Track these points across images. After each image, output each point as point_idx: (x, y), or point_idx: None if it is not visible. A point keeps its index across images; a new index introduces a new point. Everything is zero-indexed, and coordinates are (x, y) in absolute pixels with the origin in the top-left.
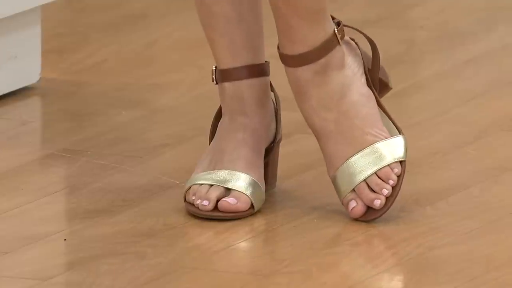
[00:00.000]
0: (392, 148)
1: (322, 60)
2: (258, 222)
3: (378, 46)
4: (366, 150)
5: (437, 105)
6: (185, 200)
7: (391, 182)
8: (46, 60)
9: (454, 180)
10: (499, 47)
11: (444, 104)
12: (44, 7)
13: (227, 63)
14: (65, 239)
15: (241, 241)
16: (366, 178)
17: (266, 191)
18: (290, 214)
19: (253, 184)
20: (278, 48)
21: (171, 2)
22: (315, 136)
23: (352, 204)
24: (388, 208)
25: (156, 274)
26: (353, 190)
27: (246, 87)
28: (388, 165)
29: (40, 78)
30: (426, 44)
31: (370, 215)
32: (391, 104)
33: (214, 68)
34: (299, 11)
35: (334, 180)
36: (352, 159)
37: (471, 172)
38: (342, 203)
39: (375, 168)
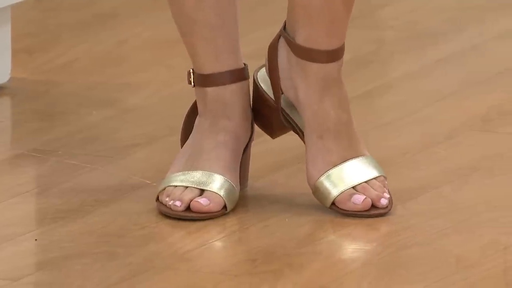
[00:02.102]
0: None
1: (342, 58)
2: (230, 222)
3: (348, 45)
4: (367, 159)
5: (406, 105)
6: (157, 200)
7: (387, 188)
8: (16, 59)
9: (424, 179)
10: (468, 47)
11: (413, 104)
12: (14, 7)
13: (210, 68)
14: (35, 239)
15: (213, 241)
16: (369, 180)
17: (239, 190)
18: (262, 213)
19: (228, 186)
20: (296, 44)
21: (142, 1)
22: (319, 131)
23: (360, 197)
24: (389, 210)
25: (127, 274)
26: (353, 188)
27: (229, 91)
28: (383, 176)
29: (10, 78)
30: (395, 44)
31: (373, 210)
32: (360, 104)
33: (191, 71)
34: (349, 4)
35: (329, 176)
36: (354, 161)
37: (441, 172)
38: (335, 199)
39: (375, 174)
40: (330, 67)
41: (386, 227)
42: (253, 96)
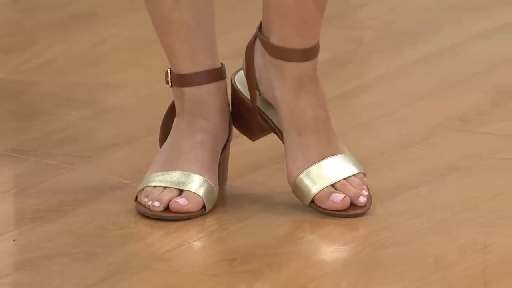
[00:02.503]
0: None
1: (317, 57)
2: (209, 222)
3: (326, 46)
4: (346, 156)
5: (384, 105)
6: (136, 200)
7: (366, 186)
8: None
9: (402, 179)
10: (446, 47)
11: (391, 104)
12: None
13: (187, 68)
14: (14, 240)
15: (192, 241)
16: (348, 177)
17: (218, 191)
18: (241, 213)
19: (207, 186)
20: (271, 43)
21: (119, 2)
22: (297, 128)
23: (339, 196)
24: (368, 209)
25: (106, 274)
26: (332, 185)
27: (206, 91)
28: (362, 172)
29: None
30: (374, 44)
31: (352, 210)
32: (338, 104)
33: (168, 71)
34: (322, 4)
35: (308, 173)
36: (333, 158)
37: (419, 172)
38: (314, 198)
39: (354, 171)
40: (305, 65)
41: (364, 227)
42: (231, 99)
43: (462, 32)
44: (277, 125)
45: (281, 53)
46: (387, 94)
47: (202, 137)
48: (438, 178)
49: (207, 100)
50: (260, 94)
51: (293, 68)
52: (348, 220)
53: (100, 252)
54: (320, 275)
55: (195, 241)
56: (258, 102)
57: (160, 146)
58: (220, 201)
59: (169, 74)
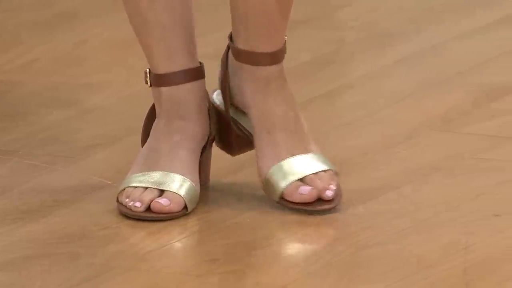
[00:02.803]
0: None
1: (283, 61)
2: (192, 222)
3: (308, 46)
4: (315, 154)
5: (366, 105)
6: (117, 201)
7: (335, 182)
8: None
9: (385, 179)
10: (428, 47)
11: (374, 104)
12: None
13: (164, 68)
14: None
15: (174, 241)
16: (317, 172)
17: (199, 191)
18: (223, 214)
19: (188, 185)
20: (239, 49)
21: (101, 2)
22: (266, 127)
23: (306, 188)
24: (336, 205)
25: (89, 274)
26: (300, 180)
27: (183, 91)
28: (332, 170)
29: None
30: (355, 44)
31: (319, 205)
32: (321, 104)
33: (147, 71)
34: (285, 11)
35: (277, 169)
36: (302, 155)
37: (402, 172)
38: (283, 192)
39: (324, 168)
40: (272, 69)
41: (346, 228)
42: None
43: (444, 32)
44: (250, 131)
45: (247, 58)
46: (369, 94)
47: (180, 137)
48: (421, 178)
49: (185, 100)
50: (232, 105)
51: (260, 71)
52: (330, 219)
53: (82, 252)
54: (303, 276)
55: (177, 242)
56: (232, 112)
57: (142, 147)
58: (202, 201)
59: (148, 74)
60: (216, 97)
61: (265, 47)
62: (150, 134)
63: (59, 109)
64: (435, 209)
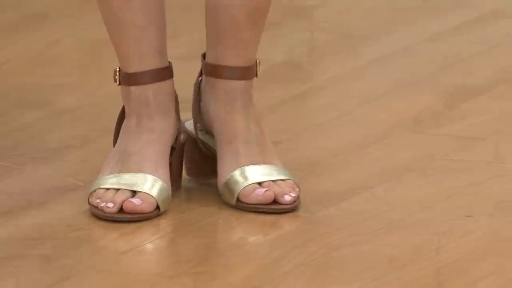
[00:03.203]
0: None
1: (253, 79)
2: (164, 223)
3: (280, 47)
4: (277, 166)
5: (338, 106)
6: (89, 202)
7: (295, 191)
8: None
9: (358, 180)
10: (400, 48)
11: (345, 105)
12: None
13: (134, 68)
14: None
15: (147, 243)
16: (276, 180)
17: (171, 191)
18: (197, 214)
19: (160, 186)
20: (208, 63)
21: (72, 2)
22: (228, 138)
23: (262, 189)
24: (294, 208)
25: (60, 276)
26: (259, 183)
27: (152, 90)
28: (292, 180)
29: None
30: (327, 46)
31: (274, 205)
32: (293, 106)
33: (117, 70)
34: (258, 26)
35: (236, 174)
36: (262, 165)
37: (374, 173)
38: (239, 194)
39: (283, 177)
40: (238, 84)
41: (319, 228)
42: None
43: (416, 34)
44: (215, 148)
45: (213, 71)
46: (341, 95)
47: (148, 137)
48: (394, 178)
49: (153, 99)
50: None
51: (225, 84)
52: (302, 220)
53: (54, 254)
54: (276, 276)
55: (150, 243)
56: (201, 134)
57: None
58: (175, 202)
59: (118, 72)
60: (188, 125)
61: (232, 60)
62: (120, 134)
63: (31, 110)
64: (408, 209)
